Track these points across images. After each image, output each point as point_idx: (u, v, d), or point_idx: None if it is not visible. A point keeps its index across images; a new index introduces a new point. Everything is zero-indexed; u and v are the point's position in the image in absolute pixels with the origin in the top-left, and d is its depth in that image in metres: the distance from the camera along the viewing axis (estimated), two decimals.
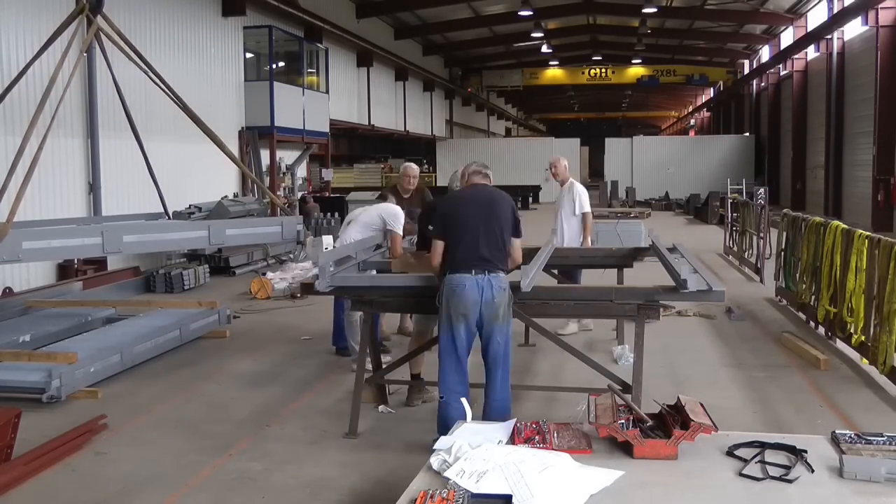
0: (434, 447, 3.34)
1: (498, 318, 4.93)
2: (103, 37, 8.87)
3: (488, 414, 4.94)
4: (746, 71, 37.63)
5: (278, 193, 18.00)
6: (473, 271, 4.91)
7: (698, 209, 26.40)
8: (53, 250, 7.59)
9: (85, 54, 9.46)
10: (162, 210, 10.29)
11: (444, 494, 2.84)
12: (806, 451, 3.22)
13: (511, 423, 3.61)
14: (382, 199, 8.42)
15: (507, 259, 5.11)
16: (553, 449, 3.29)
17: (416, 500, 2.82)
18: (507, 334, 5.04)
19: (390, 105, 30.19)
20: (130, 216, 10.58)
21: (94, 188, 12.52)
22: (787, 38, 29.05)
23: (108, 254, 9.48)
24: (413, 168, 8.46)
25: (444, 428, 4.71)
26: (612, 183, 33.38)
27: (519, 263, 5.27)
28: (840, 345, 7.90)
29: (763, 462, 3.19)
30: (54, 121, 8.45)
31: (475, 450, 3.18)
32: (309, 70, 20.78)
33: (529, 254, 7.61)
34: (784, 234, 10.11)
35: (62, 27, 8.63)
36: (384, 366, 6.28)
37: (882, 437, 3.35)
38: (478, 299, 4.88)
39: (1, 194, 7.56)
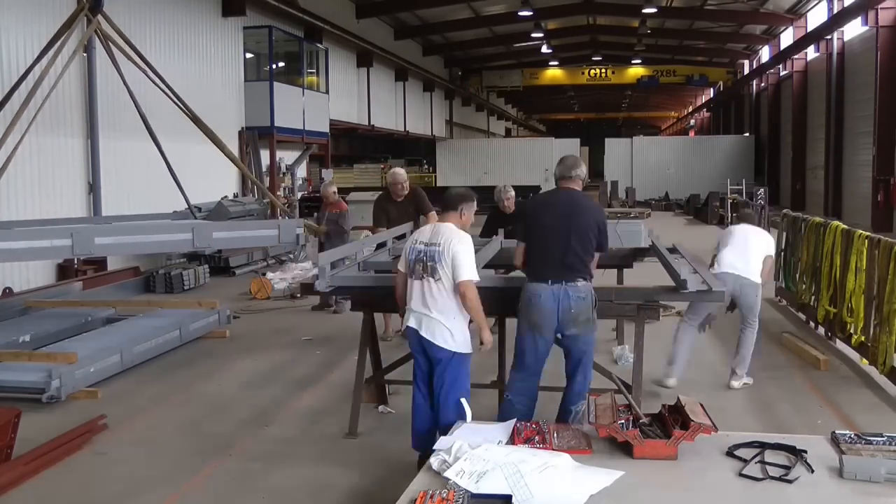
0: (434, 447, 3.34)
1: (577, 326, 4.79)
2: (104, 37, 8.87)
3: (561, 416, 4.90)
4: (746, 71, 37.61)
5: (278, 194, 17.98)
6: (550, 281, 4.79)
7: (698, 209, 26.40)
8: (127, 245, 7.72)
9: (84, 54, 9.45)
10: (186, 208, 10.20)
11: (444, 494, 2.84)
12: (806, 452, 3.22)
13: (511, 423, 3.61)
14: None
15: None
16: (553, 449, 3.29)
17: (416, 500, 2.82)
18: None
19: (390, 105, 30.17)
20: (140, 216, 10.53)
21: (94, 188, 12.51)
22: (787, 38, 29.03)
23: (202, 250, 9.21)
24: (399, 175, 8.42)
25: None
26: (612, 183, 33.41)
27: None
28: (840, 345, 7.90)
29: (763, 462, 3.19)
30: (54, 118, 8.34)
31: (475, 450, 3.18)
32: (309, 70, 20.77)
33: None
34: (784, 234, 10.11)
35: (64, 28, 8.61)
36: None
37: (882, 437, 3.35)
38: (554, 309, 4.76)
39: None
